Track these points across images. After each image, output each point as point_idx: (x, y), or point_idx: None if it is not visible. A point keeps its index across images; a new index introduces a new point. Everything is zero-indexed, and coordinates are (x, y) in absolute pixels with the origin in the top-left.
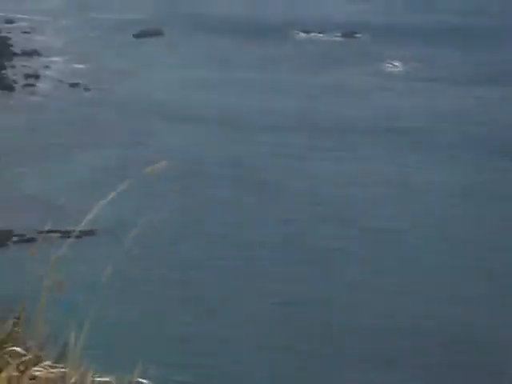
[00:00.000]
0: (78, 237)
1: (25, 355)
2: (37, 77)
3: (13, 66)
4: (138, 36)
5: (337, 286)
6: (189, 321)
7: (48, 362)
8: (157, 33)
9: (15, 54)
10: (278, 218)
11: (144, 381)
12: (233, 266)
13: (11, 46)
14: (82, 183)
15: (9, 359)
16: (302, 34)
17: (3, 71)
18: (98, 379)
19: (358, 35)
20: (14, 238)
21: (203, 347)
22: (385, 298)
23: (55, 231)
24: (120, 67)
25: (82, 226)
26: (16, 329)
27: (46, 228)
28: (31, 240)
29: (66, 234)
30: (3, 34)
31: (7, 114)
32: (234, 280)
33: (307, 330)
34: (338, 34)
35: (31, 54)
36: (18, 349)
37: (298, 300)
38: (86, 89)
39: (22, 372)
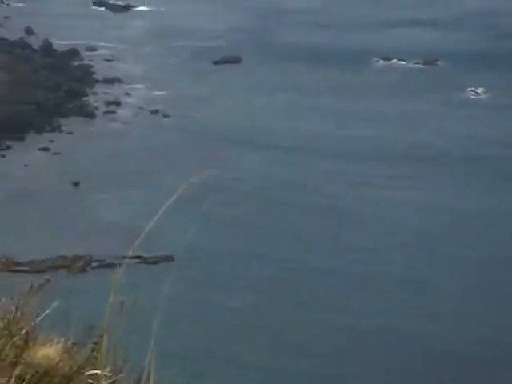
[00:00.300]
0: (155, 262)
1: (103, 379)
2: (118, 104)
3: (94, 93)
4: (217, 63)
5: (416, 316)
6: (262, 346)
7: None
8: (235, 60)
9: (97, 81)
10: (356, 246)
11: None
12: (311, 295)
13: (93, 73)
14: (159, 207)
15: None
16: (382, 62)
17: (85, 98)
18: None
19: (439, 62)
20: (94, 264)
21: None
22: None
23: (134, 257)
24: (199, 94)
25: (160, 251)
26: (94, 353)
27: (126, 254)
28: (111, 265)
29: (144, 260)
30: (86, 62)
31: (88, 140)
32: (312, 310)
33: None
34: (419, 62)
35: (112, 81)
36: (98, 371)
37: (384, 334)
38: (166, 115)
39: None
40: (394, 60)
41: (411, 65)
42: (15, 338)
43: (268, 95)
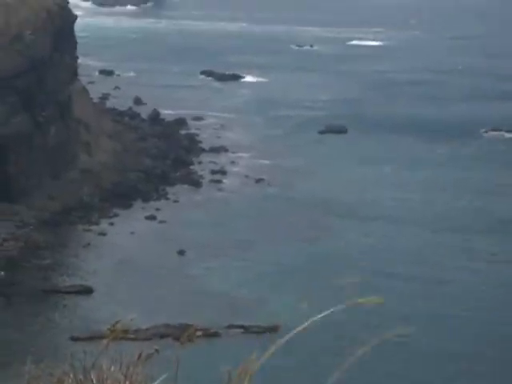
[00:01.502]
0: (259, 332)
1: None
2: (223, 172)
3: (200, 162)
4: (322, 132)
5: None
6: None
7: None
8: (340, 130)
9: (203, 150)
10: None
11: None
12: None
13: (200, 142)
14: (264, 279)
15: None
16: (492, 133)
17: (191, 167)
18: None
19: None
20: (199, 333)
21: None
22: None
23: (238, 326)
24: (303, 163)
25: (265, 321)
26: None
27: (229, 323)
28: (215, 335)
29: (249, 329)
30: (192, 131)
31: (194, 209)
32: None
33: None
34: None
35: (218, 150)
36: None
37: None
38: (270, 185)
39: None
40: (504, 132)
41: None
42: None
43: (373, 166)
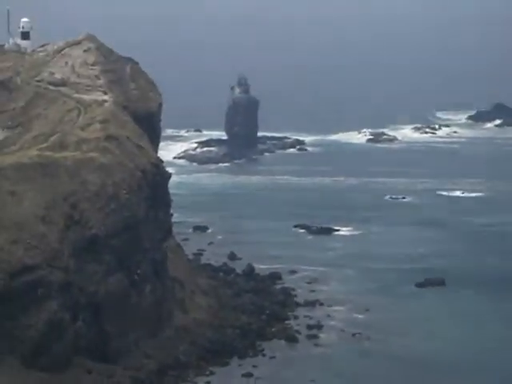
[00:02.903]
0: None
1: None
2: (319, 327)
3: (296, 317)
4: (419, 285)
5: None
6: None
7: None
8: (439, 283)
9: (298, 305)
10: None
11: None
12: None
13: (295, 296)
14: None
15: None
16: None
17: (287, 322)
18: None
19: None
20: None
21: None
22: None
23: None
24: (400, 317)
25: None
26: None
27: None
28: None
29: None
30: (287, 285)
31: (291, 366)
32: None
33: None
34: None
35: (314, 303)
36: None
37: None
38: (367, 339)
39: None
40: None
41: None
42: None
43: (474, 322)
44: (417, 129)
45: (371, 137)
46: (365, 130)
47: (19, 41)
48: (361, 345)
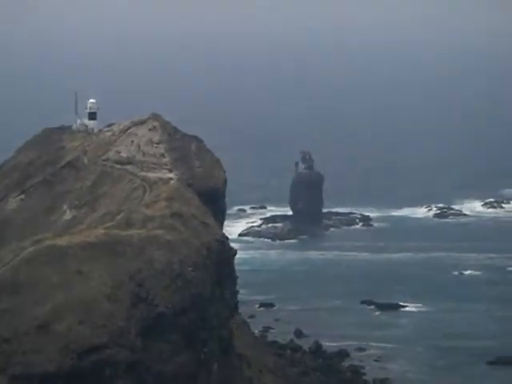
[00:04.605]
0: None
1: None
2: None
3: None
4: (491, 364)
5: None
6: None
7: None
8: (511, 361)
9: (366, 383)
10: None
11: None
12: None
13: (363, 374)
14: None
15: None
16: None
17: None
18: None
19: None
20: None
21: None
22: None
23: None
24: None
25: None
26: None
27: None
28: None
29: None
30: (355, 362)
31: None
32: None
33: None
34: None
35: (383, 382)
36: None
37: None
38: None
39: None
40: None
41: None
42: None
43: None
44: (485, 204)
45: (438, 211)
46: (431, 204)
47: (86, 121)
48: None
